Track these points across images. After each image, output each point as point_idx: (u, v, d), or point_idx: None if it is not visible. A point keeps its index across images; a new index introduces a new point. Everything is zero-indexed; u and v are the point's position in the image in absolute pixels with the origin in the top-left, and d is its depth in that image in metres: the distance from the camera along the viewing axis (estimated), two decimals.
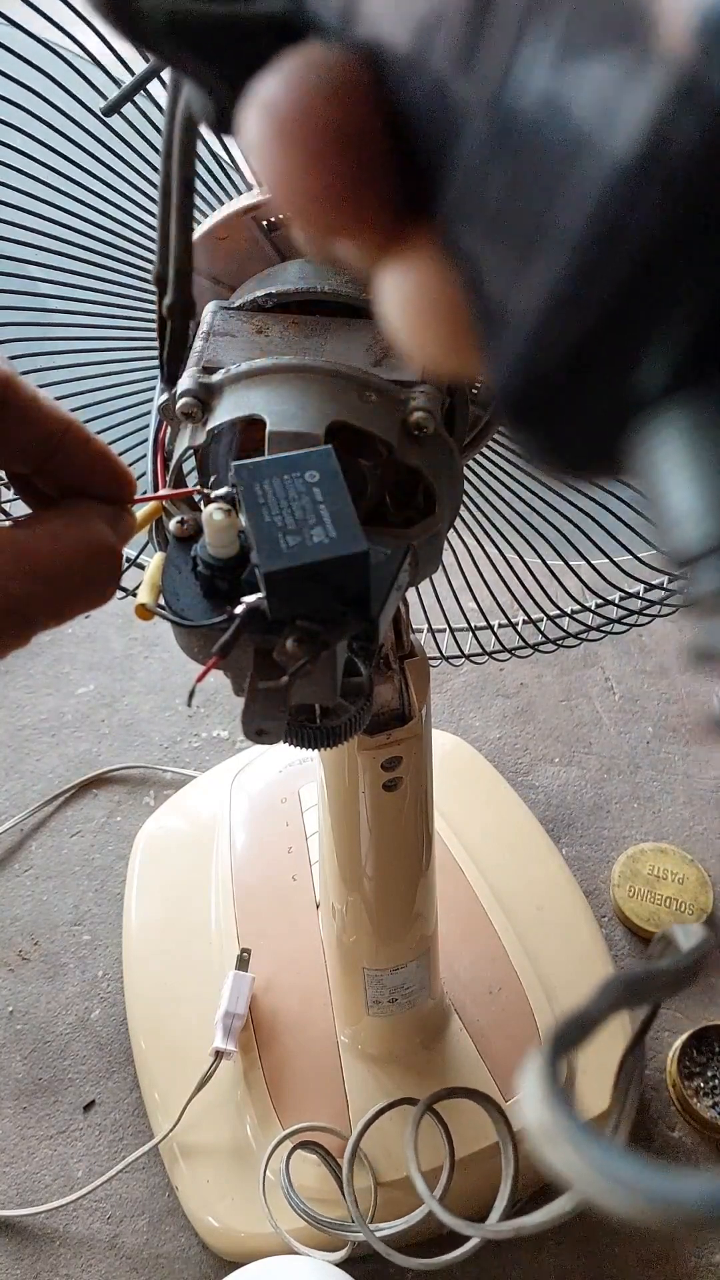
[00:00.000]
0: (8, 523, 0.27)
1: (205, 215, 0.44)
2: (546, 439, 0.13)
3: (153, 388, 0.49)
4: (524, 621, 0.65)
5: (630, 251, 0.10)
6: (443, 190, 0.13)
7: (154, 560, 0.32)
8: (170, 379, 0.31)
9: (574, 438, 0.12)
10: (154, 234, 0.45)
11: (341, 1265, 0.64)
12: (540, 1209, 0.32)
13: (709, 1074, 0.79)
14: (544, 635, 0.64)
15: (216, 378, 0.37)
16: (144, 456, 0.40)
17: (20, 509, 0.43)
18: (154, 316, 0.47)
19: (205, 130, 0.39)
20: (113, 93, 0.40)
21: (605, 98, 0.10)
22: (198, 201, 0.44)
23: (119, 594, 0.59)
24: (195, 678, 0.28)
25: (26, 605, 0.23)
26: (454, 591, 0.63)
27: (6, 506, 0.46)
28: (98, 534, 0.26)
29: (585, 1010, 0.15)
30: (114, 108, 0.40)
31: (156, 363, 0.39)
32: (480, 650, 0.67)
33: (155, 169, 0.43)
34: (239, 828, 0.87)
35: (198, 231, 0.43)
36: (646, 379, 0.11)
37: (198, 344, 0.39)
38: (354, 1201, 0.62)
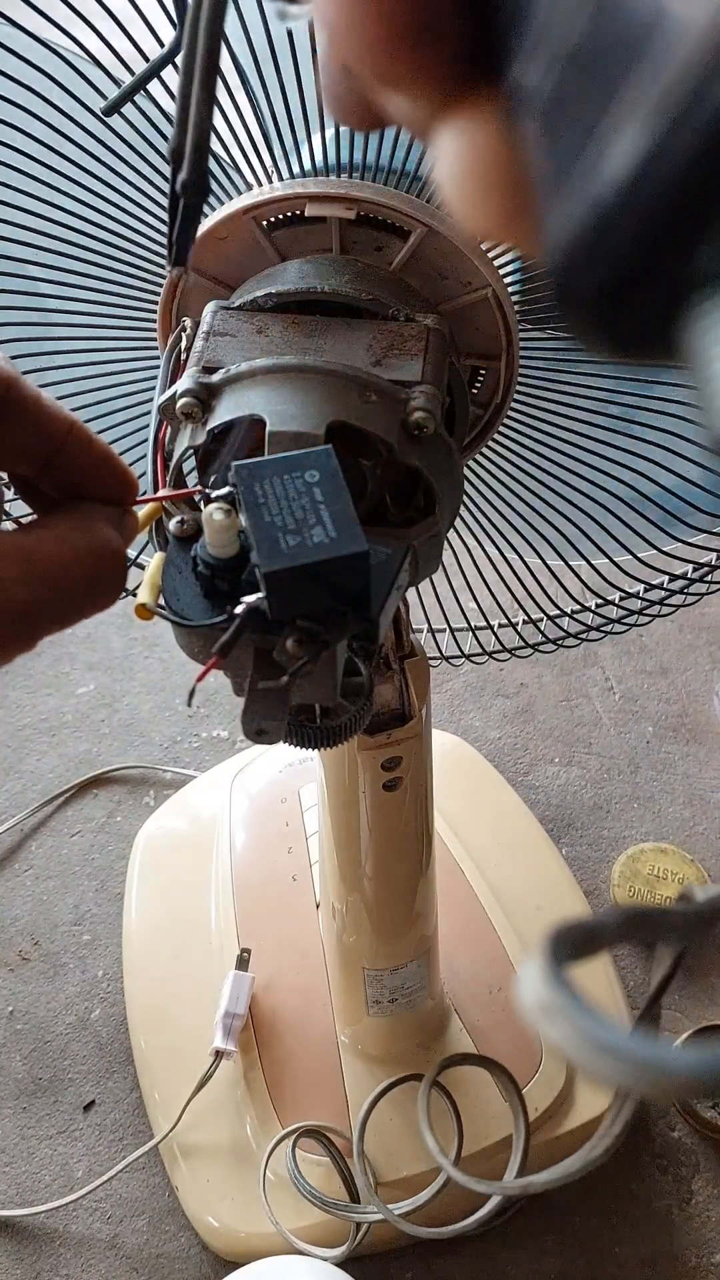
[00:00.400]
0: (11, 526, 0.27)
1: (205, 215, 0.44)
2: (602, 318, 0.12)
3: (152, 388, 0.49)
4: (524, 621, 0.65)
5: (706, 123, 0.10)
6: (512, 49, 0.12)
7: (154, 560, 0.32)
8: (178, 260, 0.30)
9: (631, 318, 0.12)
10: (153, 234, 0.45)
11: (341, 1265, 0.64)
12: (550, 1169, 0.33)
13: None
14: (544, 635, 0.64)
15: (216, 378, 0.37)
16: (144, 456, 0.40)
17: (21, 510, 0.43)
18: (154, 316, 0.47)
19: None
20: (113, 93, 0.40)
21: None
22: None
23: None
24: (195, 678, 0.28)
25: (33, 610, 0.23)
26: (454, 591, 0.63)
27: (8, 508, 0.46)
28: (103, 537, 0.26)
29: (590, 920, 0.16)
30: (114, 108, 0.40)
31: (157, 363, 0.39)
32: (480, 650, 0.67)
33: (155, 169, 0.43)
34: (239, 828, 0.87)
35: (197, 232, 0.43)
36: (708, 259, 0.11)
37: (198, 344, 0.39)
38: (368, 1178, 0.62)
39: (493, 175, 0.13)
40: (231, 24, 0.39)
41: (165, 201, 0.44)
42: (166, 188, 0.44)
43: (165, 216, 0.45)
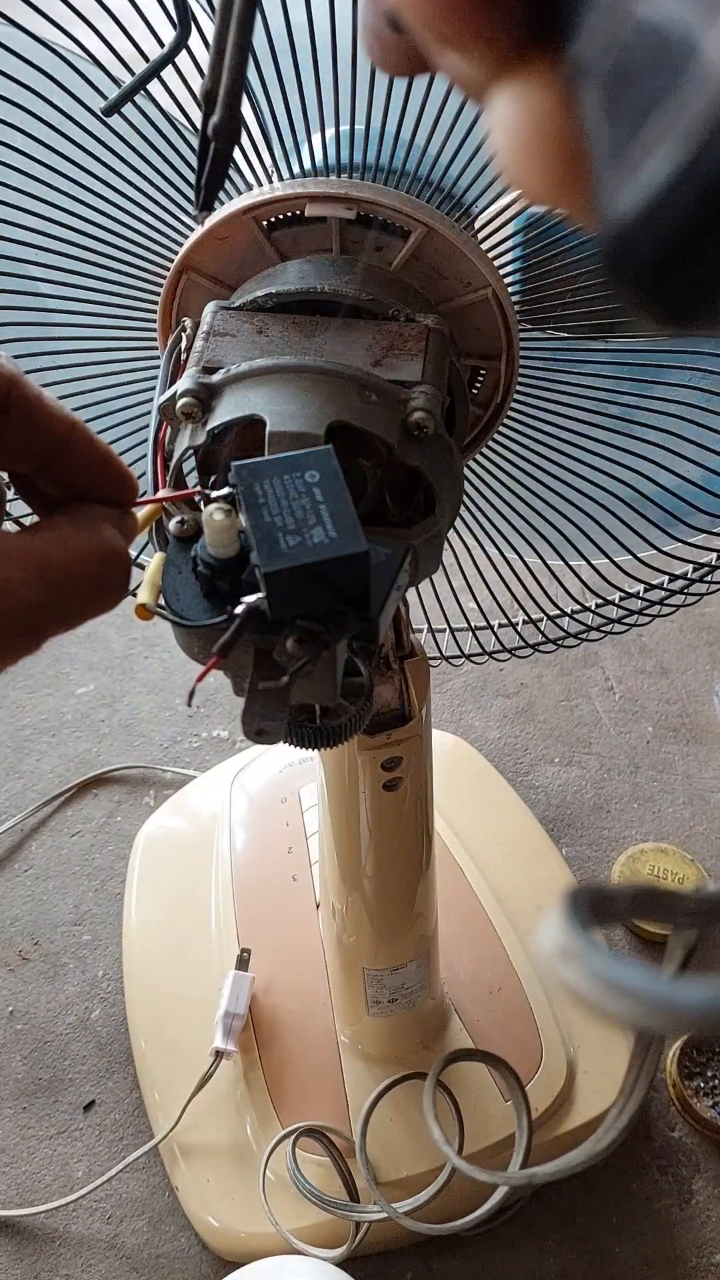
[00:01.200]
0: (13, 526, 0.27)
1: (205, 215, 0.44)
2: (652, 291, 0.13)
3: (152, 388, 0.49)
4: (524, 621, 0.65)
5: None
6: (577, 18, 0.12)
7: (154, 560, 0.32)
8: (205, 204, 0.30)
9: (680, 291, 0.12)
10: (154, 234, 0.45)
11: (341, 1265, 0.64)
12: (554, 1160, 0.33)
13: (709, 1074, 0.79)
14: (544, 635, 0.64)
15: (217, 378, 0.37)
16: (144, 457, 0.40)
17: (20, 510, 0.43)
18: (154, 316, 0.47)
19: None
20: (113, 93, 0.40)
21: None
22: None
23: None
24: (195, 678, 0.28)
25: (38, 612, 0.23)
26: (454, 591, 0.63)
27: (9, 508, 0.46)
28: (107, 539, 0.26)
29: (606, 886, 0.16)
30: (114, 108, 0.40)
31: (157, 363, 0.39)
32: (480, 650, 0.67)
33: (155, 169, 0.43)
34: (239, 828, 0.87)
35: (197, 232, 0.43)
36: None
37: (198, 344, 0.39)
38: (371, 1175, 0.62)
39: (547, 141, 0.13)
40: None
41: (165, 201, 0.44)
42: (167, 187, 0.44)
43: (165, 216, 0.45)
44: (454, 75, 0.14)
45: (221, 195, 0.44)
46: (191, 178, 0.43)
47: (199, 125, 0.28)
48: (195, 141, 0.43)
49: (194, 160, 0.43)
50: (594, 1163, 0.32)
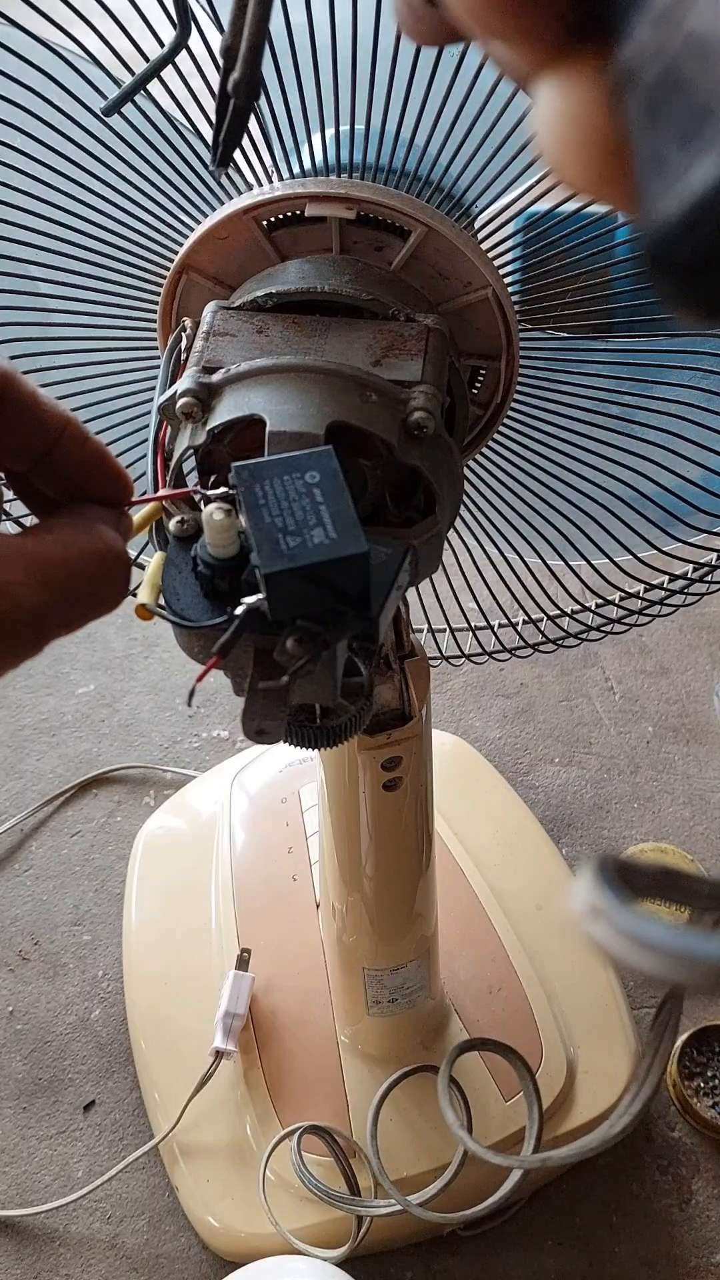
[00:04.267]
0: (12, 527, 0.27)
1: (206, 215, 0.44)
2: (695, 287, 0.13)
3: (152, 388, 0.49)
4: (524, 621, 0.65)
5: None
6: (626, 24, 0.13)
7: (154, 560, 0.32)
8: (223, 161, 0.30)
9: None
10: (154, 234, 0.45)
11: (341, 1265, 0.64)
12: (568, 1145, 0.33)
13: (709, 1074, 0.79)
14: (544, 635, 0.64)
15: (217, 377, 0.37)
16: (144, 457, 0.40)
17: (20, 510, 0.43)
18: (154, 316, 0.47)
19: None
20: (113, 93, 0.40)
21: None
22: (198, 201, 0.44)
23: None
24: (195, 678, 0.28)
25: (39, 615, 0.23)
26: (454, 591, 0.63)
27: (8, 508, 0.46)
28: (107, 540, 0.26)
29: (630, 859, 0.17)
30: (114, 108, 0.40)
31: (157, 363, 0.39)
32: (480, 650, 0.67)
33: (156, 169, 0.43)
34: (239, 828, 0.87)
35: (197, 231, 0.43)
36: None
37: (198, 344, 0.39)
38: (380, 1167, 0.61)
39: (591, 135, 0.14)
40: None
41: (165, 201, 0.44)
42: (167, 187, 0.44)
43: (165, 216, 0.45)
44: (500, 63, 0.14)
45: (221, 195, 0.44)
46: (191, 177, 0.44)
47: (218, 84, 0.28)
48: (195, 141, 0.43)
49: (194, 160, 0.43)
50: (609, 1146, 0.32)
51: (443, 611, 0.67)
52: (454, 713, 1.05)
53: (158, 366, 0.43)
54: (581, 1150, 0.33)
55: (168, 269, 0.45)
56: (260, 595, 0.28)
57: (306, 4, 0.38)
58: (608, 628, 0.62)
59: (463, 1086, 0.62)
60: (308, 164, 0.43)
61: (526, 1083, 0.57)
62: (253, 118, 0.42)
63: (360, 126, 0.41)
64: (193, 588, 0.31)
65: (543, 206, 0.41)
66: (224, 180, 0.44)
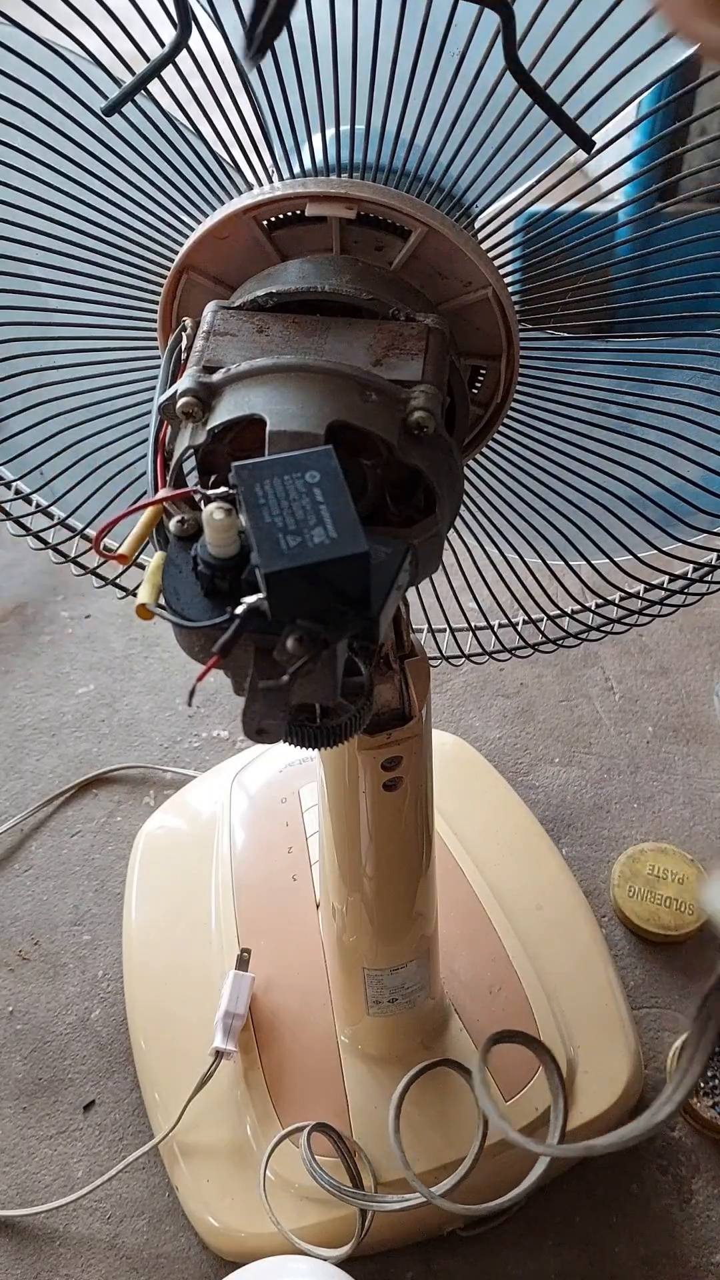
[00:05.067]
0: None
1: (206, 215, 0.44)
2: None
3: (152, 388, 0.49)
4: (524, 621, 0.65)
5: None
6: None
7: (154, 560, 0.32)
8: (260, 50, 0.29)
9: None
10: (154, 234, 0.45)
11: (342, 1265, 0.64)
12: (611, 1133, 0.34)
13: (709, 1074, 0.79)
14: (544, 635, 0.64)
15: (217, 377, 0.37)
16: (144, 456, 0.40)
17: (19, 510, 0.43)
18: (154, 316, 0.47)
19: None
20: (113, 93, 0.40)
21: None
22: (198, 201, 0.44)
23: (119, 594, 0.59)
24: (195, 677, 0.28)
25: None
26: (454, 591, 0.63)
27: (10, 508, 0.46)
28: None
29: None
30: (114, 108, 0.40)
31: (157, 363, 0.39)
32: (480, 650, 0.67)
33: (156, 169, 0.43)
34: (239, 827, 0.87)
35: (198, 231, 0.43)
36: None
37: (198, 343, 0.39)
38: (403, 1158, 0.61)
39: None
40: (232, 23, 0.39)
41: (165, 201, 0.44)
42: (167, 187, 0.44)
43: (165, 216, 0.45)
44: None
45: (221, 195, 0.44)
46: (192, 177, 0.44)
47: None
48: (196, 141, 0.43)
49: (194, 160, 0.43)
50: (653, 1134, 0.33)
51: (443, 611, 0.67)
52: (454, 713, 1.05)
53: (158, 366, 0.43)
54: (623, 1139, 0.33)
55: (168, 269, 0.45)
56: (260, 595, 0.28)
57: (307, 4, 0.38)
58: (608, 628, 0.62)
59: (463, 1091, 0.62)
60: (308, 164, 0.43)
61: (553, 1077, 0.57)
62: (253, 117, 0.42)
63: (360, 126, 0.41)
64: (193, 587, 0.31)
65: (543, 206, 0.41)
66: (224, 180, 0.44)
